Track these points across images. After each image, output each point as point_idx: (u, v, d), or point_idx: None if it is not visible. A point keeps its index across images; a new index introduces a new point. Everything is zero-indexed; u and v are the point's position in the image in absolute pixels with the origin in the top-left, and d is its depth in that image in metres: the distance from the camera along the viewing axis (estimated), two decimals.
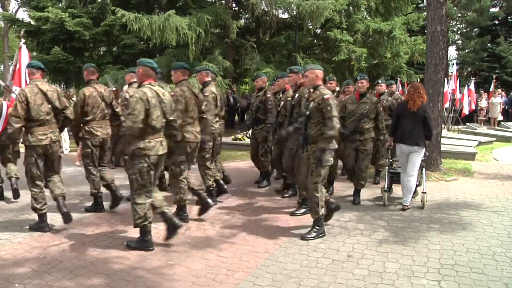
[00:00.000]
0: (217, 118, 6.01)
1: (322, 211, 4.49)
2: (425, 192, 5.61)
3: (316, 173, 4.41)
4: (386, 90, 7.37)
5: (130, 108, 3.88)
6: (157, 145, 4.04)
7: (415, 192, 5.72)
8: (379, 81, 7.28)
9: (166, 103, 4.14)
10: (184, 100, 4.73)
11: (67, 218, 4.70)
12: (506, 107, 18.58)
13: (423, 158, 5.62)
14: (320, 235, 4.48)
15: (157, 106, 4.00)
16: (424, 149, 5.47)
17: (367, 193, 6.33)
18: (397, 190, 6.10)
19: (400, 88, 18.85)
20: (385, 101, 6.86)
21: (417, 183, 5.71)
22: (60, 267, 3.79)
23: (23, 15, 39.69)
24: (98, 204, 5.48)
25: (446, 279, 3.51)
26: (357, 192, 5.90)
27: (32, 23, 14.89)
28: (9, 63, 25.52)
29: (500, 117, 17.22)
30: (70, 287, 3.42)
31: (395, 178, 5.92)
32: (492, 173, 7.82)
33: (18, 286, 3.43)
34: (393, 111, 6.33)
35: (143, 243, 4.16)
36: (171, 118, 4.24)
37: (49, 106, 4.67)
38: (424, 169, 5.80)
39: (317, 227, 4.50)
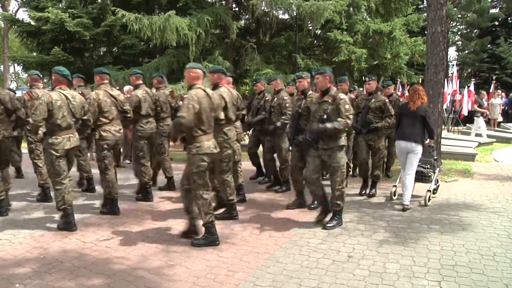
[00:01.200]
0: (150, 119, 6.13)
1: (207, 218, 4.25)
2: (430, 191, 5.77)
3: (191, 180, 4.27)
4: (386, 90, 7.17)
5: (33, 109, 4.58)
6: (64, 141, 4.66)
7: (436, 190, 6.18)
8: (367, 78, 6.45)
9: (75, 104, 4.81)
10: (96, 103, 5.24)
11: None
12: (506, 108, 18.56)
13: (435, 158, 6.08)
14: (208, 243, 4.28)
15: (63, 108, 4.65)
16: (421, 148, 5.57)
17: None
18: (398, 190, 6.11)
19: (400, 89, 18.89)
20: (373, 101, 6.07)
21: (436, 180, 6.10)
22: (60, 267, 3.79)
23: (23, 15, 39.73)
24: (46, 195, 6.03)
25: (447, 279, 3.51)
26: (333, 216, 4.89)
27: (32, 23, 14.89)
28: (9, 64, 25.53)
29: (500, 118, 17.21)
30: (71, 287, 3.42)
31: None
32: (492, 174, 7.82)
33: (19, 286, 3.43)
34: (384, 112, 6.08)
35: (67, 224, 4.76)
36: (85, 118, 4.98)
37: (2, 107, 5.33)
38: (438, 169, 6.21)
39: (206, 235, 4.32)
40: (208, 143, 4.20)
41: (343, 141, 4.74)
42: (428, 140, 5.64)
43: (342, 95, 4.74)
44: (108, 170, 5.33)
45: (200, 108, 4.08)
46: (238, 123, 6.04)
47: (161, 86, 6.60)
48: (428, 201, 5.72)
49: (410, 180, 5.57)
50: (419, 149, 5.52)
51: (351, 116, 4.66)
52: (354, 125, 5.91)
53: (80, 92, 5.84)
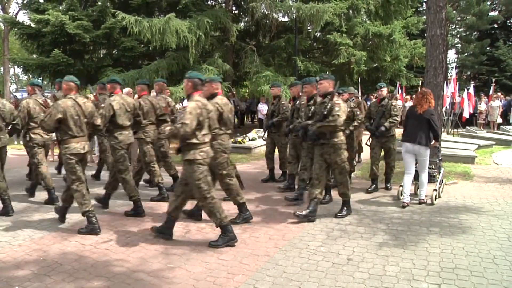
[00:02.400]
0: None
1: (83, 208, 4.73)
2: (436, 190, 6.01)
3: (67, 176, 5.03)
4: (379, 93, 6.71)
5: None
6: None
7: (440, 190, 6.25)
8: (318, 77, 5.40)
9: (5, 111, 5.57)
10: (26, 110, 5.96)
11: None
12: (505, 110, 18.58)
13: (440, 158, 6.41)
14: (89, 231, 4.74)
15: None
16: (428, 149, 5.80)
17: (366, 196, 6.35)
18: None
19: (400, 91, 18.90)
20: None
21: (441, 180, 6.25)
22: (60, 269, 3.79)
23: (23, 17, 39.76)
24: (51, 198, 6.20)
25: (446, 282, 3.51)
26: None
27: (33, 25, 14.89)
28: (9, 66, 25.53)
29: (499, 120, 17.22)
30: None
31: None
32: (491, 177, 7.82)
33: None
34: (354, 119, 6.26)
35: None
36: (14, 122, 5.72)
37: None
38: (442, 169, 6.46)
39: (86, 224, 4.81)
40: (76, 145, 4.76)
41: (191, 154, 4.25)
42: (433, 141, 5.86)
43: (188, 103, 4.29)
44: (40, 164, 6.10)
45: (66, 116, 4.67)
46: (150, 127, 6.27)
47: (103, 92, 7.20)
48: (435, 200, 5.90)
49: (425, 177, 5.90)
50: (427, 153, 5.80)
51: (182, 124, 4.10)
52: (311, 135, 5.23)
53: (13, 100, 6.51)
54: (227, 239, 4.36)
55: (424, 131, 5.71)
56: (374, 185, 6.75)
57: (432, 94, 5.95)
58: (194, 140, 4.23)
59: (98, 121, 5.19)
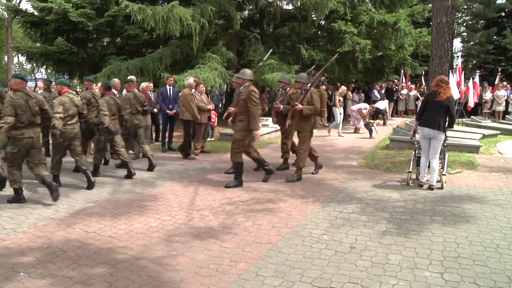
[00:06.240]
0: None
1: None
2: (445, 174, 6.29)
3: None
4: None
5: None
6: None
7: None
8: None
9: None
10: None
11: None
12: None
13: (445, 144, 6.49)
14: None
15: None
16: (444, 135, 6.13)
17: (369, 185, 6.34)
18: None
19: (404, 80, 18.77)
20: None
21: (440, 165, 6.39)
22: (64, 256, 3.82)
23: (26, 5, 39.61)
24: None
25: (449, 271, 3.51)
26: None
27: (36, 13, 14.87)
28: (13, 54, 25.52)
29: (503, 107, 17.06)
30: (74, 276, 3.44)
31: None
32: (496, 166, 7.79)
33: (23, 275, 3.46)
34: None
35: None
36: None
37: None
38: (447, 154, 6.60)
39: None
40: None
41: None
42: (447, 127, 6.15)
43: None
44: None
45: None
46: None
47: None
48: (444, 183, 6.19)
49: (436, 163, 6.15)
50: (442, 136, 6.10)
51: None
52: None
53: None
54: None
55: (443, 117, 6.01)
56: None
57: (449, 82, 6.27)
58: None
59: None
